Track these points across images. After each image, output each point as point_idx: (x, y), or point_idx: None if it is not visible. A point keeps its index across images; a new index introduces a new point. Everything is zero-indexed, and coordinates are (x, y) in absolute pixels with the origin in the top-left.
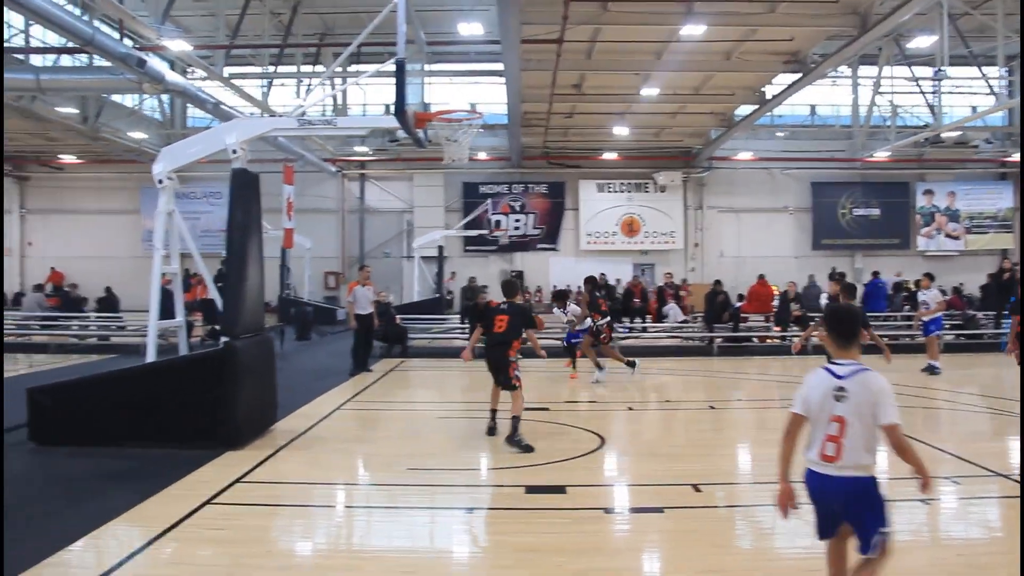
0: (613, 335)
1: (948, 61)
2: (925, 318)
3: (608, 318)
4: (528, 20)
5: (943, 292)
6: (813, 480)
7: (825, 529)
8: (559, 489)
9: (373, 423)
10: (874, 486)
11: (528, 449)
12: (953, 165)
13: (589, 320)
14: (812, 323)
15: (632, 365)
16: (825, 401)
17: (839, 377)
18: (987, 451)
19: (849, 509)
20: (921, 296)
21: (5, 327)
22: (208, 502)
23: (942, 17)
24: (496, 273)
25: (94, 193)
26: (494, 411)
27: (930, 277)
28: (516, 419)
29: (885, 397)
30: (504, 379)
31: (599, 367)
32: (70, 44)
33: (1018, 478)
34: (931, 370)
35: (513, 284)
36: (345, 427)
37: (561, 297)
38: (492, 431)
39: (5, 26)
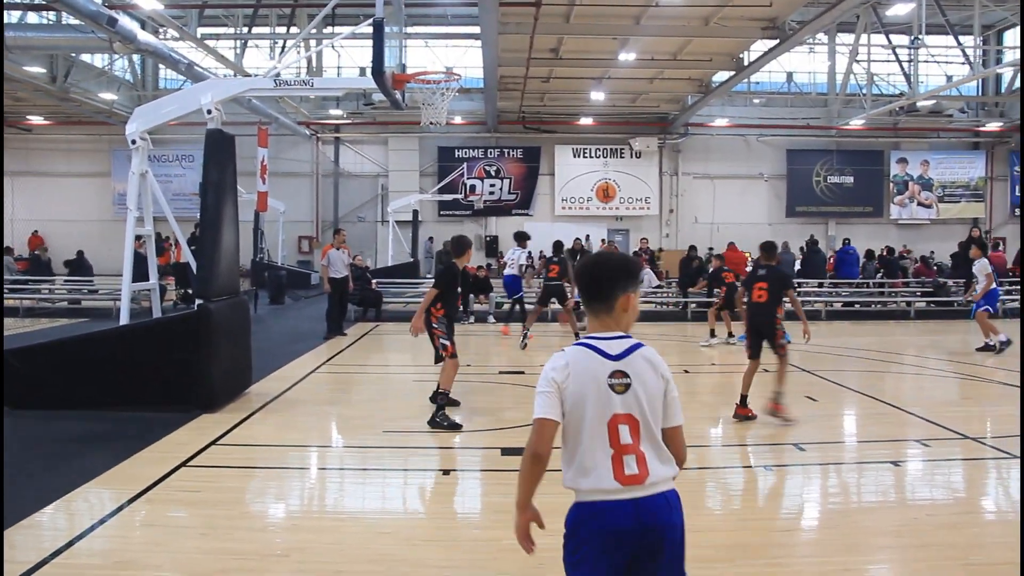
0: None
1: (925, 30)
2: (978, 297)
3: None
4: None
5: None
6: (613, 515)
7: None
8: None
9: (348, 386)
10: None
11: (455, 427)
12: (927, 134)
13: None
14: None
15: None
16: (599, 396)
17: (612, 358)
18: (955, 415)
19: (666, 549)
20: (977, 267)
21: None
22: (183, 464)
23: None
24: (472, 239)
25: (64, 155)
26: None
27: (981, 246)
28: (442, 394)
29: (672, 386)
30: (435, 350)
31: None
32: (38, 0)
33: (985, 441)
34: (1001, 346)
35: (456, 244)
36: (320, 390)
37: (522, 238)
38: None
39: None
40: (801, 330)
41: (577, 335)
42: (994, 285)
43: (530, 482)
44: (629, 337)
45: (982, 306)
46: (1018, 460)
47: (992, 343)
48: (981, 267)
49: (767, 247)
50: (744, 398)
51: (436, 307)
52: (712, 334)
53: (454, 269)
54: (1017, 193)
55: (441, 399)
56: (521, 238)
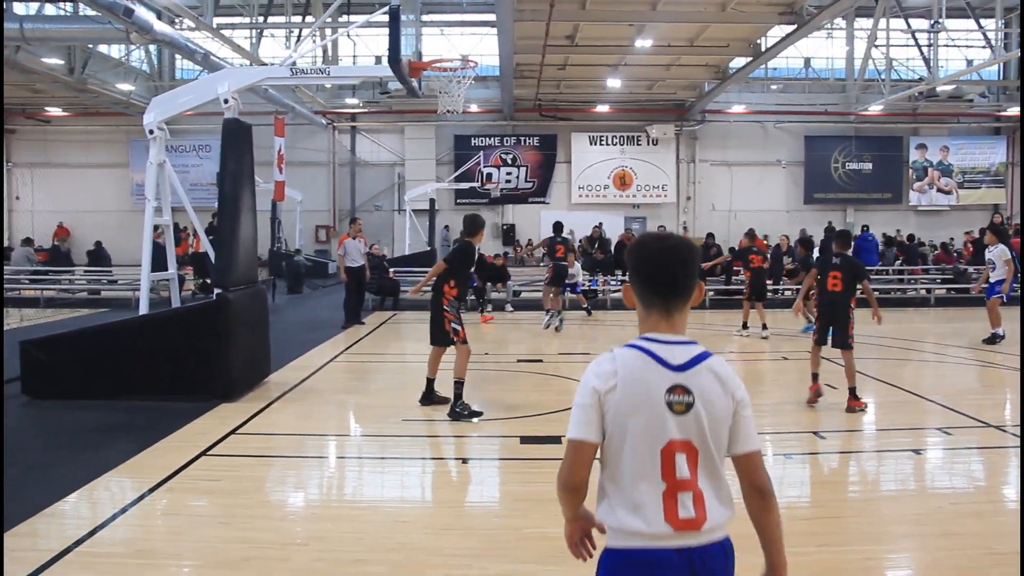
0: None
1: (945, 13)
2: (992, 279)
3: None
4: None
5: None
6: (662, 568)
7: None
8: (554, 439)
9: (366, 375)
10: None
11: (475, 415)
12: (947, 119)
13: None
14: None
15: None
16: (653, 415)
17: (674, 368)
18: (976, 403)
19: None
20: (988, 254)
21: None
22: (203, 453)
23: None
24: (489, 227)
25: (82, 146)
26: (429, 380)
27: (997, 232)
28: (458, 383)
29: (747, 405)
30: (440, 334)
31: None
32: None
33: (1007, 429)
34: (993, 339)
35: (468, 220)
36: (338, 379)
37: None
38: (425, 399)
39: None
40: (872, 313)
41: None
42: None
43: (571, 507)
44: (695, 344)
45: (996, 292)
46: None
47: (1001, 332)
48: (999, 253)
49: (842, 235)
50: (815, 376)
51: (450, 285)
52: (744, 325)
53: (469, 247)
54: None
55: (457, 388)
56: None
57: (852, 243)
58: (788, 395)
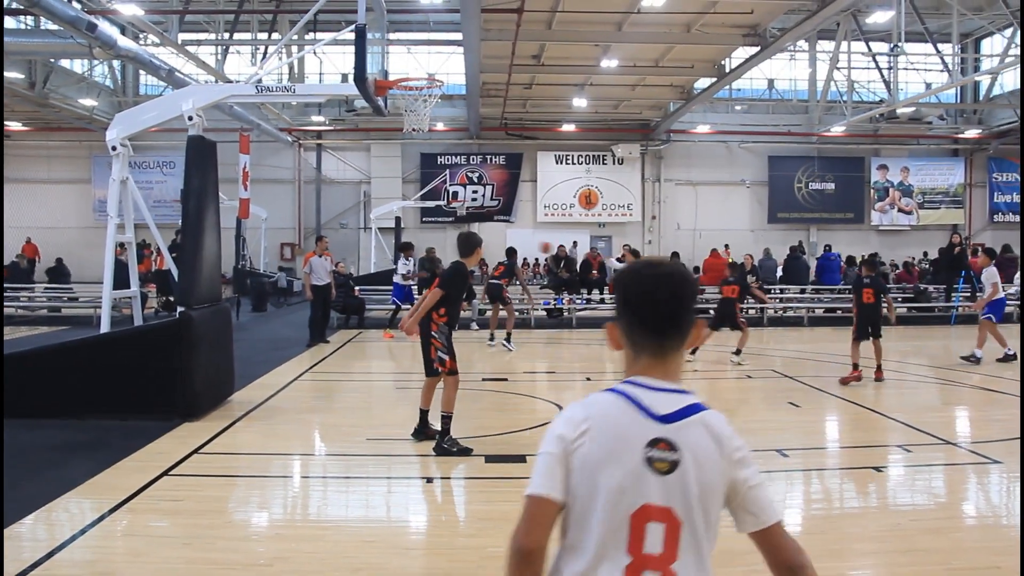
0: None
1: (904, 37)
2: (984, 306)
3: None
4: None
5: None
6: None
7: None
8: (519, 458)
9: (331, 394)
10: None
11: (464, 451)
12: (907, 141)
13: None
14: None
15: (492, 338)
16: (628, 471)
17: (659, 418)
18: (936, 420)
19: None
20: (984, 275)
21: None
22: (165, 473)
23: None
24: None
25: (43, 162)
26: (423, 412)
27: (990, 254)
28: (445, 417)
29: (752, 472)
30: (427, 364)
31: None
32: (16, 5)
33: (965, 446)
34: (972, 358)
35: (462, 240)
36: (303, 398)
37: (406, 248)
38: (418, 434)
39: None
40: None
41: (509, 336)
42: (1000, 294)
43: None
44: (689, 393)
45: (986, 314)
46: (996, 464)
47: (979, 355)
48: (989, 275)
49: (870, 262)
50: (856, 364)
51: (439, 312)
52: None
53: (463, 270)
54: (995, 200)
55: (445, 423)
56: (406, 248)
57: (878, 266)
58: (751, 413)
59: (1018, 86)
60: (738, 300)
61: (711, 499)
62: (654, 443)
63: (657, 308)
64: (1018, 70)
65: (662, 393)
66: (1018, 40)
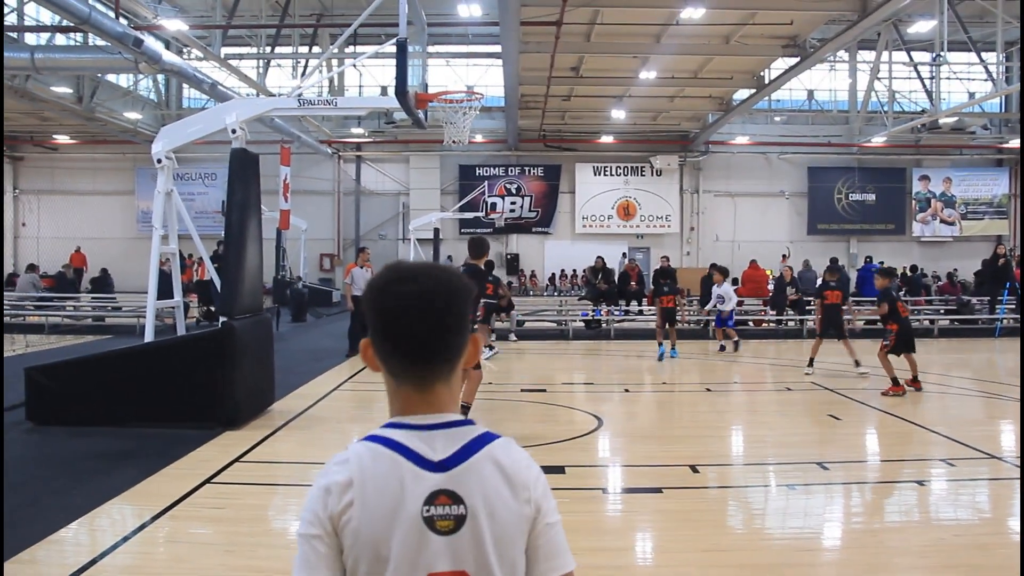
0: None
1: (947, 47)
2: None
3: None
4: (527, 2)
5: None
6: None
7: None
8: (558, 469)
9: (370, 403)
10: None
11: None
12: (949, 151)
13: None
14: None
15: (490, 347)
16: (406, 539)
17: (433, 466)
18: (980, 434)
19: None
20: None
21: None
22: (207, 481)
23: (941, 2)
24: (494, 256)
25: (89, 174)
26: (464, 407)
27: None
28: (464, 407)
29: (549, 511)
30: None
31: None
32: (65, 23)
33: (1012, 461)
34: None
35: (475, 244)
36: (342, 408)
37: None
38: None
39: None
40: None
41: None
42: None
43: None
44: (469, 423)
45: None
46: None
47: None
48: None
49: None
50: (895, 380)
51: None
52: (811, 363)
53: (478, 271)
54: None
55: (463, 412)
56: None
57: (894, 275)
58: (792, 426)
59: None
60: (841, 305)
61: (510, 550)
62: (432, 498)
63: (412, 333)
64: None
65: (433, 432)
66: None
